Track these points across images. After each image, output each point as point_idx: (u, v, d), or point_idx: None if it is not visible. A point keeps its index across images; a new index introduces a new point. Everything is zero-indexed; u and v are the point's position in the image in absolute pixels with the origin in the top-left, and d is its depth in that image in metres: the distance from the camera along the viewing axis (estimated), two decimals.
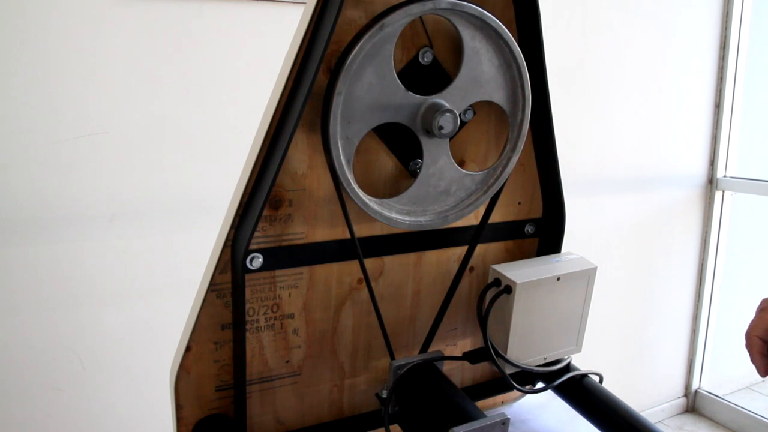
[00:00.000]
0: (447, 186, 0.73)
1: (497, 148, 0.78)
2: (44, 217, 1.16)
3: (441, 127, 0.67)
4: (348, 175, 0.66)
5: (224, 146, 1.26)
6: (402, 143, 0.72)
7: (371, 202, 0.69)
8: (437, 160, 0.71)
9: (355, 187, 0.67)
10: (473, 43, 0.69)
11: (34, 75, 1.10)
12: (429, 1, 0.63)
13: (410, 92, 0.67)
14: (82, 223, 1.20)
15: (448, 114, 0.67)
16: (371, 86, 0.65)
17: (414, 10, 0.63)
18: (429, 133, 0.68)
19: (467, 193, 0.75)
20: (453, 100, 0.69)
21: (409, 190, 0.71)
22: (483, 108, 0.75)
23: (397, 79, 0.66)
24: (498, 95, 0.72)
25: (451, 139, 0.71)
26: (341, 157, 0.65)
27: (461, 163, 0.76)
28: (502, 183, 0.76)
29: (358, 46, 0.61)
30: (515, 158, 0.75)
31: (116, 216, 1.22)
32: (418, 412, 0.71)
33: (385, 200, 0.71)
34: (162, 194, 1.25)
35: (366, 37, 0.61)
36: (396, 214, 0.71)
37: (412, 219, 0.73)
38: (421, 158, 0.72)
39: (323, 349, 0.76)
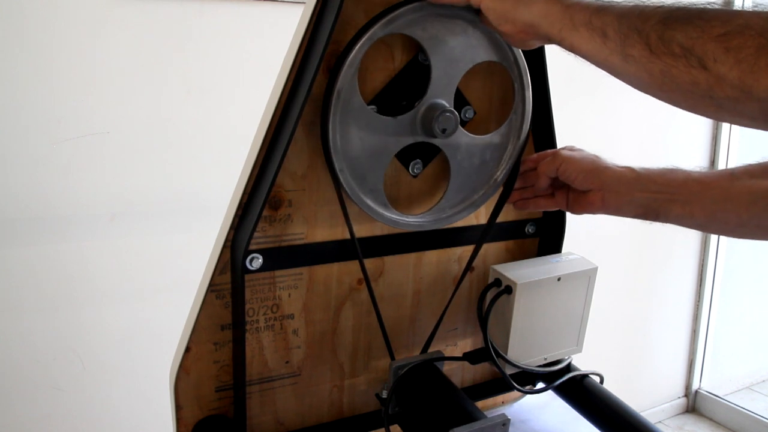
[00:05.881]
0: (481, 156, 0.73)
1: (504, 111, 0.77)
2: (44, 217, 1.16)
3: (444, 129, 0.67)
4: (348, 176, 0.66)
5: (224, 146, 1.26)
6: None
7: (371, 202, 0.69)
8: (458, 145, 0.71)
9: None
10: (432, 32, 0.66)
11: (34, 75, 1.10)
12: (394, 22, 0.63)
13: (398, 116, 0.67)
14: (83, 223, 1.20)
15: (445, 114, 0.67)
16: (362, 139, 0.66)
17: (378, 33, 0.63)
18: (435, 135, 0.68)
19: (501, 152, 0.74)
20: (441, 89, 0.68)
21: (450, 185, 0.72)
22: (484, 70, 0.74)
23: (381, 117, 0.66)
24: (480, 54, 0.70)
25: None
26: (341, 159, 0.65)
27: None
28: (503, 183, 0.76)
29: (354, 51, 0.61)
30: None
31: (116, 216, 1.22)
32: (418, 413, 0.71)
33: (434, 206, 0.73)
34: (162, 194, 1.25)
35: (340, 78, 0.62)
36: (396, 214, 0.71)
37: (412, 219, 0.73)
38: (421, 158, 0.72)
39: (323, 350, 0.75)
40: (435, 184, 0.76)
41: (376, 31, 0.62)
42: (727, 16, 0.42)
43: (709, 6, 0.44)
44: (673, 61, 0.44)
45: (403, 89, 0.69)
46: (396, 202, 0.73)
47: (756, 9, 0.42)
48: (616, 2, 0.52)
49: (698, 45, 0.42)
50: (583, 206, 0.72)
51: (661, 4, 0.48)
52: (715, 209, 0.64)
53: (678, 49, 0.43)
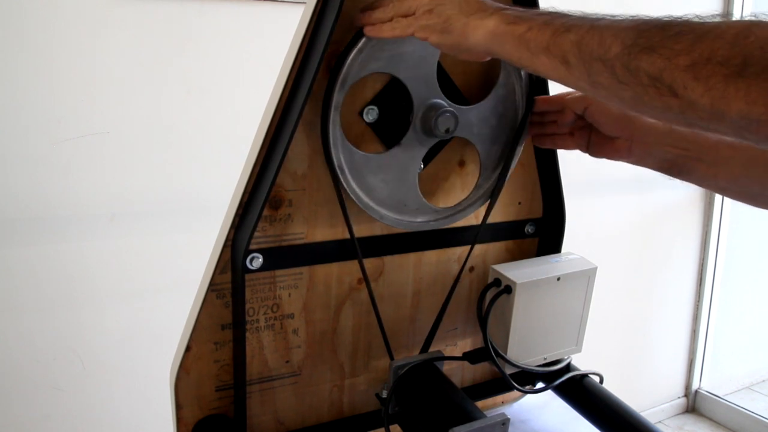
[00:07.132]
0: (495, 113, 0.73)
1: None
2: (44, 217, 1.16)
3: (447, 129, 0.68)
4: (348, 176, 0.66)
5: (224, 146, 1.26)
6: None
7: (371, 202, 0.69)
8: (469, 121, 0.71)
9: (355, 187, 0.67)
10: (385, 54, 0.65)
11: (34, 75, 1.10)
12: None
13: (402, 141, 0.68)
14: (83, 223, 1.20)
15: (444, 116, 0.67)
16: (384, 181, 0.68)
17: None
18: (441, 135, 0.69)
19: (512, 98, 0.74)
20: (425, 92, 0.68)
21: (481, 153, 0.73)
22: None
23: (389, 153, 0.68)
24: None
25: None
26: (341, 158, 0.65)
27: (461, 163, 0.76)
28: (503, 182, 0.76)
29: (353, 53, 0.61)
30: (516, 158, 0.75)
31: (116, 216, 1.22)
32: (418, 413, 0.71)
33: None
34: (162, 194, 1.25)
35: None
36: (395, 214, 0.71)
37: (412, 219, 0.73)
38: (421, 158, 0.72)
39: (323, 349, 0.75)
40: (435, 183, 0.76)
41: (338, 98, 0.63)
42: (690, 41, 0.41)
43: (668, 24, 0.43)
44: (642, 89, 0.44)
45: (400, 90, 0.69)
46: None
47: (724, 21, 0.41)
48: (568, 17, 0.50)
49: (666, 74, 0.42)
50: (606, 152, 0.70)
51: (620, 19, 0.47)
52: (739, 175, 0.63)
53: (646, 79, 0.43)
